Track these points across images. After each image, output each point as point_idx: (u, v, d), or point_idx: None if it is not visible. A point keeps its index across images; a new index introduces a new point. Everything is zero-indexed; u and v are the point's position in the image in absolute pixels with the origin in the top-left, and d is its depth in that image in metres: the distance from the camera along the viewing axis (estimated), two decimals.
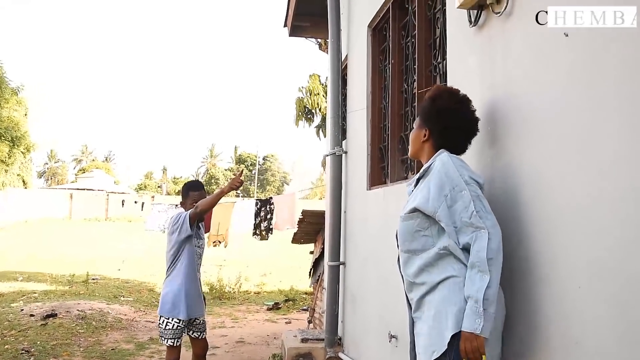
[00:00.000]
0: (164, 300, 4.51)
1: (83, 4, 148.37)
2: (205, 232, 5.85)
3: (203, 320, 4.73)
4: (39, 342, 7.24)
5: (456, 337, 2.06)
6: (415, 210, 2.24)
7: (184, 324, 4.51)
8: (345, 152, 5.51)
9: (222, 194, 4.61)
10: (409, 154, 2.61)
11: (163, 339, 4.49)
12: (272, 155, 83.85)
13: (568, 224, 1.90)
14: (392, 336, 3.74)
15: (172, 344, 4.45)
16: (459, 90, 2.43)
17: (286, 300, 12.33)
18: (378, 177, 4.70)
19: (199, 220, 4.72)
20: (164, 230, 12.14)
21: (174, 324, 4.44)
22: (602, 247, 1.73)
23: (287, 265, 18.90)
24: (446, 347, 2.08)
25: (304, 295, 12.95)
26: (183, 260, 4.55)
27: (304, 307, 11.03)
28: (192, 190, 4.86)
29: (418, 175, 2.39)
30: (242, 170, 5.34)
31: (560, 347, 1.93)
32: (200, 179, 75.02)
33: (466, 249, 2.11)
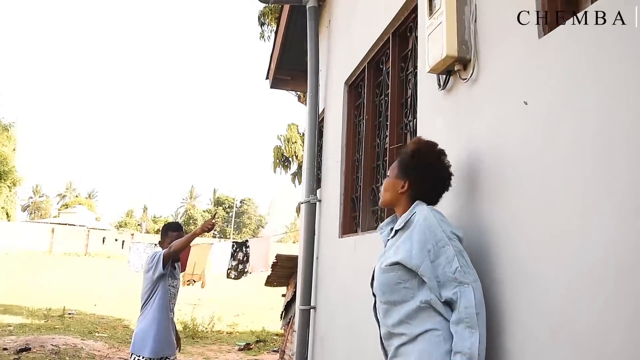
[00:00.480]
0: (136, 338, 4.42)
1: (69, 46, 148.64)
2: (181, 272, 5.80)
3: (174, 359, 4.61)
4: None
5: None
6: (396, 263, 2.17)
7: None
8: (319, 201, 5.52)
9: (195, 235, 4.58)
10: (380, 202, 2.52)
11: None
12: (249, 199, 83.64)
13: (527, 279, 1.92)
14: None
15: None
16: (437, 144, 2.42)
17: (257, 341, 12.08)
18: (350, 226, 4.71)
19: (174, 260, 4.67)
20: None
21: None
22: (559, 305, 1.75)
23: (259, 306, 18.60)
24: None
25: (275, 337, 12.71)
26: (156, 298, 4.47)
27: (275, 349, 10.83)
28: (172, 231, 4.82)
29: (396, 226, 2.32)
30: (215, 213, 5.41)
31: None
32: (179, 219, 74.49)
33: (447, 303, 2.07)
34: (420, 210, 2.22)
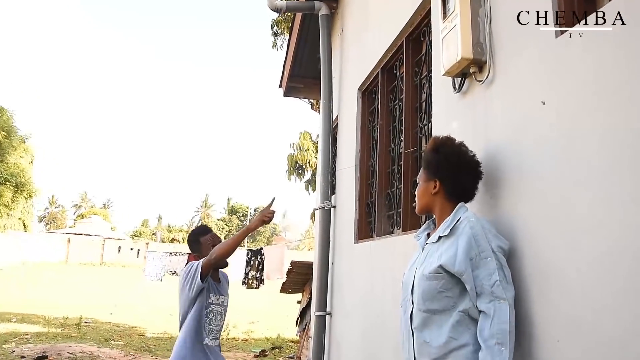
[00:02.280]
0: None
1: (88, 62, 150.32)
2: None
3: None
4: None
5: None
6: (440, 268, 2.09)
7: None
8: (334, 207, 5.51)
9: (249, 231, 3.76)
10: (416, 210, 2.44)
11: None
12: (263, 207, 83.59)
13: (550, 280, 1.89)
14: None
15: None
16: (454, 138, 2.38)
17: (273, 348, 12.06)
18: (365, 231, 4.69)
19: (216, 269, 3.77)
20: (161, 279, 11.95)
21: None
22: (581, 306, 1.72)
23: (274, 313, 18.61)
24: None
25: (291, 344, 12.69)
26: (190, 321, 3.58)
27: (290, 355, 10.80)
28: (201, 236, 3.91)
29: (441, 233, 2.20)
30: (272, 199, 4.01)
31: None
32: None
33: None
34: (467, 217, 2.14)
